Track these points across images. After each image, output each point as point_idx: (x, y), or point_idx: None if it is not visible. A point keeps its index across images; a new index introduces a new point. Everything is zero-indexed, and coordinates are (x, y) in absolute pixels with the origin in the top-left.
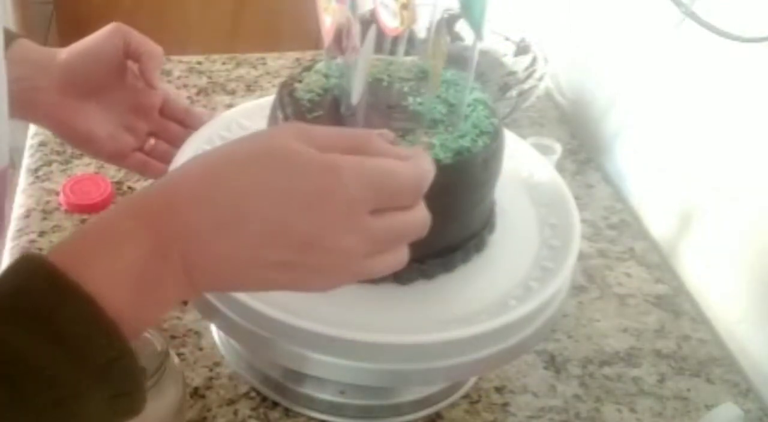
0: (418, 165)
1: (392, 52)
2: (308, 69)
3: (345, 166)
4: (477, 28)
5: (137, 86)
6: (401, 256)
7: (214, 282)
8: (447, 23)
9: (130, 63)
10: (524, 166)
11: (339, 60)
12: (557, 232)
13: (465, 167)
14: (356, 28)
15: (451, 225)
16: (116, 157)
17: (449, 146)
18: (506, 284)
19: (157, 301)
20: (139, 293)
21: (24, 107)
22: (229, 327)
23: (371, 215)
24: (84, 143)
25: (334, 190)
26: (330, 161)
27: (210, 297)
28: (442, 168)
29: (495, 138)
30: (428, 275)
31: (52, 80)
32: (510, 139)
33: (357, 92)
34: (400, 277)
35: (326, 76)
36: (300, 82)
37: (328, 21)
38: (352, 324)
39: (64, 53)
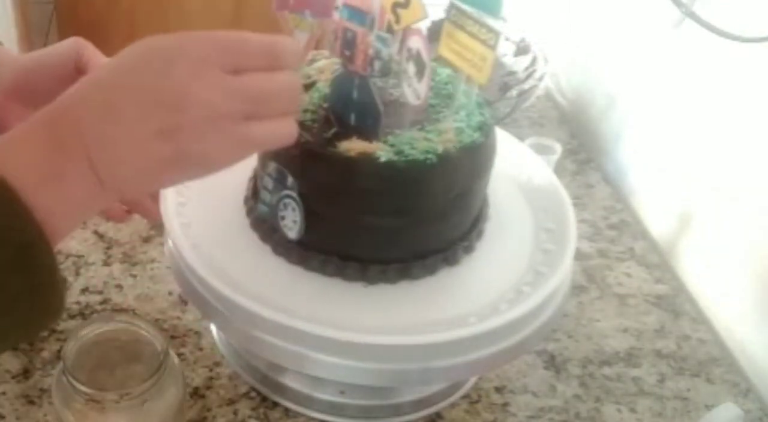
0: (269, 36)
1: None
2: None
3: (195, 34)
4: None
5: None
6: (286, 125)
7: (116, 176)
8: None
9: None
10: (522, 169)
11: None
12: (553, 236)
13: (451, 164)
14: (369, 37)
15: (441, 225)
16: None
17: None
18: (499, 286)
19: (65, 197)
20: (45, 185)
21: None
22: (228, 328)
23: (229, 74)
24: None
25: (183, 53)
26: (187, 33)
27: (210, 297)
28: (427, 166)
29: (486, 136)
30: (431, 270)
31: (4, 80)
32: (510, 142)
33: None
34: (406, 273)
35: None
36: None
37: (304, 36)
38: (349, 325)
39: (20, 58)
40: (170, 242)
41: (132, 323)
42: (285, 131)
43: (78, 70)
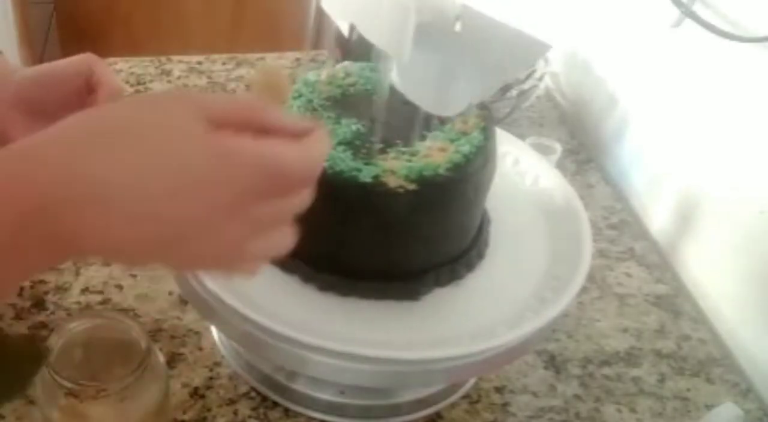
0: (311, 149)
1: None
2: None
3: (237, 154)
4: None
5: None
6: (287, 237)
7: (88, 252)
8: None
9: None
10: (529, 173)
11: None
12: (564, 257)
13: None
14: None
15: (445, 241)
16: None
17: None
18: (501, 309)
19: (17, 266)
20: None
21: None
22: (227, 329)
23: (258, 201)
24: None
25: (224, 182)
26: (223, 147)
27: (209, 299)
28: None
29: (481, 152)
30: (442, 283)
31: (7, 91)
32: (521, 149)
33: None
34: (412, 293)
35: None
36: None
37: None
38: (348, 337)
39: (29, 70)
40: None
41: (118, 320)
42: (285, 242)
43: (89, 86)
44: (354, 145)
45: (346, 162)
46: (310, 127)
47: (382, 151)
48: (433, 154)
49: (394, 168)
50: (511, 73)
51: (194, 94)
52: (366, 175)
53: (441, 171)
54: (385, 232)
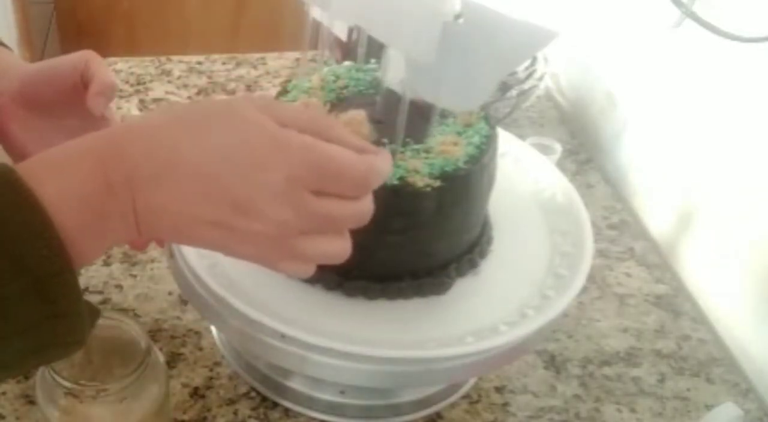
0: (371, 161)
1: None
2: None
3: (294, 144)
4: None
5: (91, 120)
6: (340, 246)
7: (155, 229)
8: None
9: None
10: (530, 174)
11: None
12: (567, 261)
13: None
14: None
15: (443, 242)
16: None
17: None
18: (502, 307)
19: (101, 234)
20: (83, 221)
21: None
22: (227, 329)
23: (312, 194)
24: (16, 157)
25: (277, 163)
26: (281, 135)
27: (209, 299)
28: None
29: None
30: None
31: (9, 85)
32: (526, 151)
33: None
34: (439, 287)
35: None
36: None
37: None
38: (349, 337)
39: (29, 66)
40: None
41: (117, 320)
42: (338, 251)
43: (83, 82)
44: None
45: None
46: (373, 148)
47: (397, 151)
48: (448, 149)
49: (417, 167)
50: (520, 62)
51: (268, 97)
52: (392, 178)
53: (461, 164)
54: (414, 232)
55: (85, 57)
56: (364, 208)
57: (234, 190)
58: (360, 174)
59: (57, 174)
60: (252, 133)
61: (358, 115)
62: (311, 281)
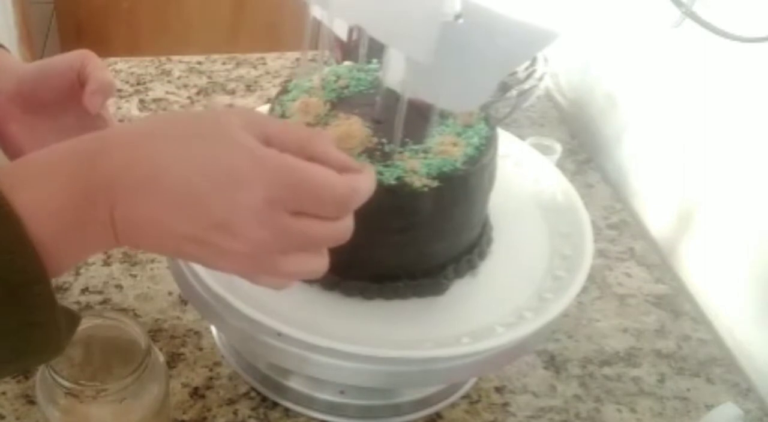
0: (353, 181)
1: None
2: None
3: (272, 164)
4: None
5: (88, 119)
6: (317, 264)
7: (133, 240)
8: None
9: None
10: (530, 174)
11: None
12: (566, 263)
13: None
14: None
15: (441, 243)
16: None
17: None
18: (498, 310)
19: (78, 242)
20: (60, 229)
21: None
22: (227, 329)
23: (290, 215)
24: (13, 156)
25: (255, 183)
26: (261, 155)
27: (209, 299)
28: (426, 192)
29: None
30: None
31: (6, 85)
32: (528, 153)
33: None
34: (437, 287)
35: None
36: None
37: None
38: (349, 337)
39: (26, 66)
40: None
41: (118, 320)
42: (315, 269)
43: (80, 80)
44: (367, 148)
45: None
46: (357, 166)
47: (396, 152)
48: (446, 149)
49: (415, 167)
50: (520, 63)
51: (254, 112)
52: (389, 178)
53: (459, 165)
54: (412, 232)
55: (81, 56)
56: (343, 227)
57: (212, 208)
58: (339, 195)
59: (34, 181)
60: (233, 152)
61: (355, 123)
62: (309, 281)
